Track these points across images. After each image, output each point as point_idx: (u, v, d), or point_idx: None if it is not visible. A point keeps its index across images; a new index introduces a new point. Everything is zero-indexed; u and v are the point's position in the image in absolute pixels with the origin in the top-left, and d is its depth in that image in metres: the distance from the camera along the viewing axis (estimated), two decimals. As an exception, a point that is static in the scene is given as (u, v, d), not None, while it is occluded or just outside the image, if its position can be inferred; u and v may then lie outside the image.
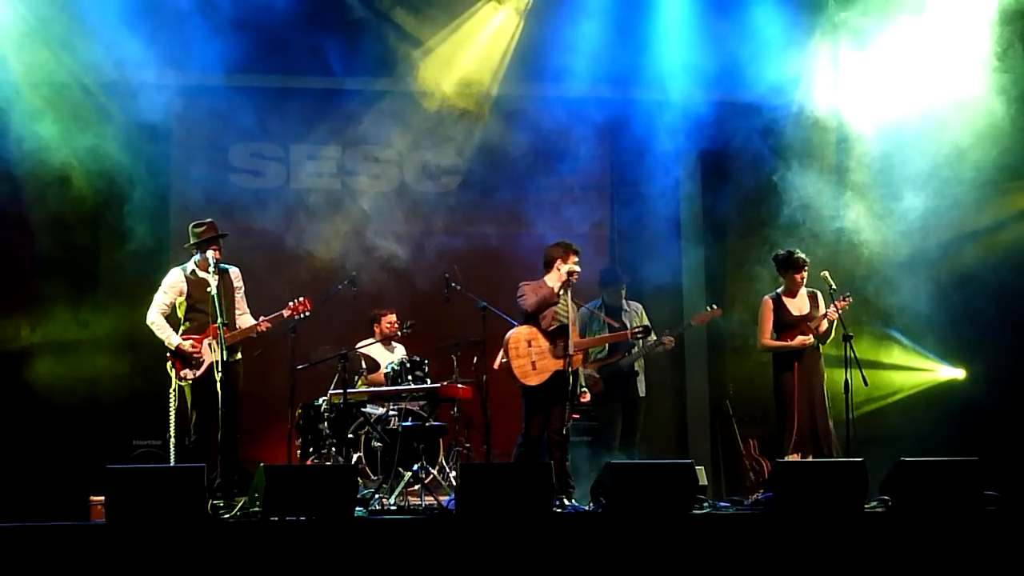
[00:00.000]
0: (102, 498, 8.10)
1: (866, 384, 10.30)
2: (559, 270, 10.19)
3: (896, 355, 13.32)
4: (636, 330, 10.65)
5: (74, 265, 12.78)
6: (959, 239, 13.21)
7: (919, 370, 13.39)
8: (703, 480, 10.13)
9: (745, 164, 13.82)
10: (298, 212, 13.63)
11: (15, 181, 12.11)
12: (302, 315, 10.33)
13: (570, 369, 9.96)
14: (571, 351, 9.91)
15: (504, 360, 10.26)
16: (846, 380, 10.12)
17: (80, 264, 12.84)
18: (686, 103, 13.21)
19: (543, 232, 13.51)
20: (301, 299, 10.34)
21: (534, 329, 10.11)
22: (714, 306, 11.71)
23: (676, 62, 13.24)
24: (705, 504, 9.62)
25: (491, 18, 13.27)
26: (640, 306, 11.53)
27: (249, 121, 13.15)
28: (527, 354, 10.05)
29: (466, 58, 13.27)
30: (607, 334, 10.97)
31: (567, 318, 10.09)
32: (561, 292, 10.13)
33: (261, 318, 10.26)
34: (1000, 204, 13.13)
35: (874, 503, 9.14)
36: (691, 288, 14.26)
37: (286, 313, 10.29)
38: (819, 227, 12.93)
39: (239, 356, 10.16)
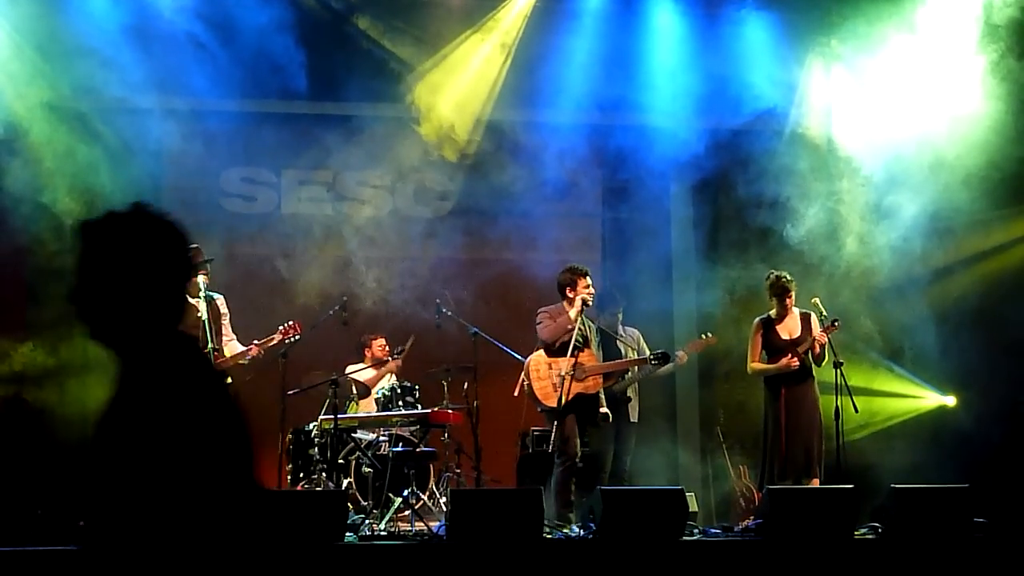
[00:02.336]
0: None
1: (856, 411, 10.31)
2: (571, 296, 10.26)
3: (887, 382, 13.32)
4: (655, 354, 10.59)
5: (64, 290, 12.69)
6: (952, 265, 13.24)
7: (910, 397, 13.39)
8: (693, 506, 10.13)
9: (737, 189, 13.83)
10: (290, 237, 13.62)
11: (2, 206, 12.08)
12: (293, 339, 10.39)
13: (600, 391, 10.24)
14: (583, 373, 9.97)
15: (526, 384, 10.27)
16: (836, 407, 10.13)
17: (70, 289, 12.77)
18: (678, 129, 13.23)
19: (535, 257, 13.54)
20: (291, 323, 10.39)
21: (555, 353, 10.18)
22: (708, 334, 11.66)
23: (668, 88, 13.27)
24: (695, 530, 9.61)
25: (481, 46, 13.30)
26: (637, 332, 11.50)
27: (241, 146, 13.17)
28: (548, 376, 10.10)
29: (458, 84, 13.29)
30: (628, 358, 10.95)
31: (582, 339, 10.14)
32: (576, 318, 10.18)
33: (253, 343, 10.25)
34: (993, 231, 13.18)
35: (864, 530, 9.14)
36: (682, 314, 14.24)
37: (277, 338, 10.32)
38: (811, 253, 12.94)
39: (229, 381, 10.12)
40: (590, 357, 10.22)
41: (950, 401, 13.24)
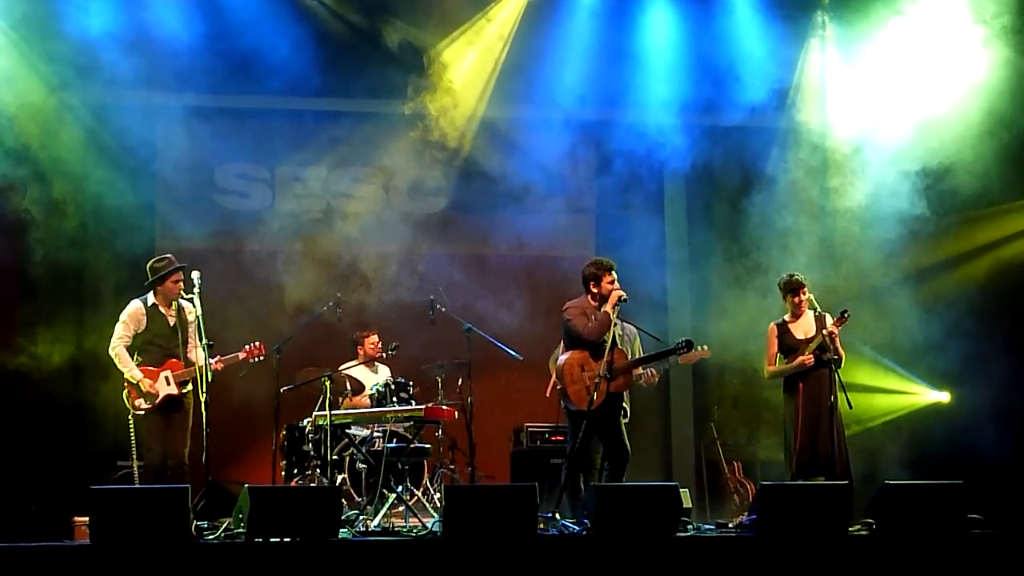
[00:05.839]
0: (86, 518, 8.08)
1: (850, 407, 10.26)
2: (594, 291, 10.07)
3: (881, 378, 13.31)
4: (681, 342, 10.37)
5: (59, 285, 12.71)
6: (949, 260, 13.25)
7: (904, 393, 13.40)
8: (687, 503, 10.09)
9: (731, 184, 13.84)
10: (283, 233, 13.58)
11: (-1, 202, 12.09)
12: (256, 359, 10.36)
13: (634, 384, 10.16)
14: (614, 373, 9.76)
15: (559, 387, 10.14)
16: (831, 403, 10.09)
17: (65, 284, 12.78)
18: (673, 123, 13.21)
19: (529, 253, 13.54)
20: (256, 344, 10.36)
21: (585, 353, 9.96)
22: (704, 347, 11.41)
23: (662, 82, 13.26)
24: (689, 527, 9.61)
25: (475, 43, 13.30)
26: (634, 330, 11.35)
27: (234, 142, 13.16)
28: (581, 379, 9.88)
29: (452, 80, 13.27)
30: (648, 354, 10.74)
31: (618, 338, 9.96)
32: (615, 315, 9.96)
33: (217, 357, 10.12)
34: (989, 226, 13.19)
35: (858, 526, 9.14)
36: (676, 310, 14.22)
37: (241, 356, 10.27)
38: (806, 247, 12.92)
39: (189, 388, 10.03)
40: (620, 355, 10.02)
41: (944, 397, 13.25)
